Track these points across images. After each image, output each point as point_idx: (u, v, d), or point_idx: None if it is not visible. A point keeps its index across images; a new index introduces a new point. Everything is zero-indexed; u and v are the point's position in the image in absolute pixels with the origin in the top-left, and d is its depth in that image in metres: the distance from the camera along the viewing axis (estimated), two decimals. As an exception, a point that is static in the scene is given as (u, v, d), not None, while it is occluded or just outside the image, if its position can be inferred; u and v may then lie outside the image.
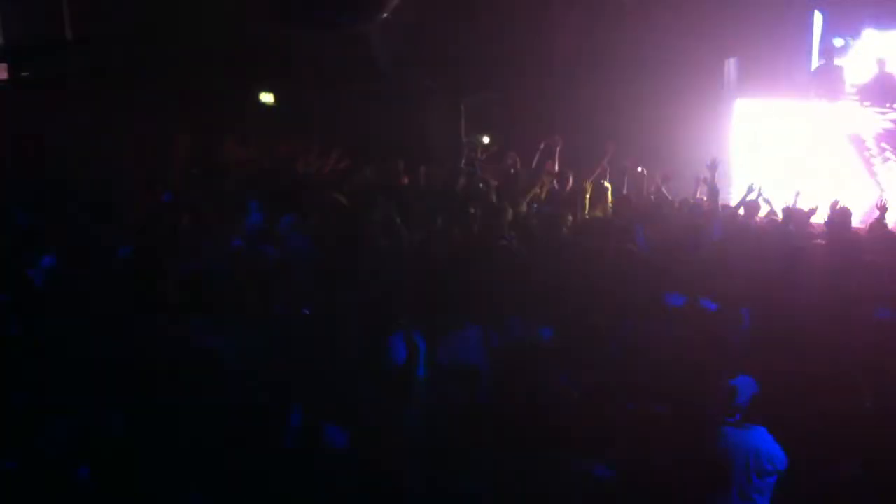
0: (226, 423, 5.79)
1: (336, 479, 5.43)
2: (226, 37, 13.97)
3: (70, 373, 6.43)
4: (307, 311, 7.38)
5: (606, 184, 11.14)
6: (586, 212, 10.47)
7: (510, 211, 9.66)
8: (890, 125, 12.96)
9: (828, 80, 13.87)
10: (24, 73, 13.96)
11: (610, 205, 10.84)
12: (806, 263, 8.35)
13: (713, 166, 10.80)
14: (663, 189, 11.17)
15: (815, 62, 14.45)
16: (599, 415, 5.95)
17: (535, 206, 10.71)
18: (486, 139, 13.56)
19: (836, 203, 10.12)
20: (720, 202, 10.83)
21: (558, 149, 11.64)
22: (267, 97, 14.84)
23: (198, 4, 14.06)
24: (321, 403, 6.07)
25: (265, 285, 7.63)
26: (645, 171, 11.60)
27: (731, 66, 14.18)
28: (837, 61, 13.97)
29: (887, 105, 13.15)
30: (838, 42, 14.27)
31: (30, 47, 14.03)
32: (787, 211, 10.02)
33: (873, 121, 13.06)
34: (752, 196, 10.62)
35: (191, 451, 5.60)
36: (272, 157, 12.01)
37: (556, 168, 11.57)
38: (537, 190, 11.12)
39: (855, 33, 14.36)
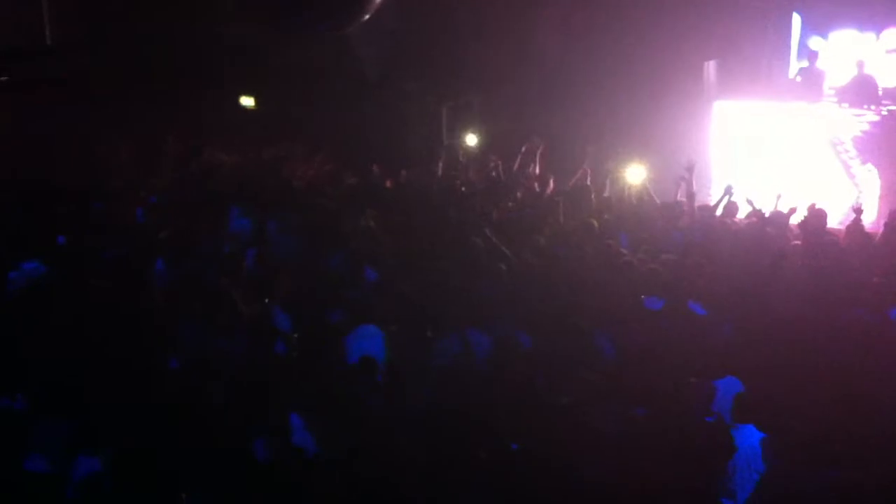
0: (216, 424, 5.83)
1: (328, 485, 5.46)
2: (208, 41, 13.96)
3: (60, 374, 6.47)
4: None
5: (589, 185, 11.19)
6: (569, 214, 10.48)
7: (494, 213, 9.69)
8: (868, 127, 13.06)
9: (810, 82, 13.97)
10: (3, 78, 13.91)
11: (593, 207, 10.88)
12: (785, 265, 8.43)
13: (689, 168, 10.90)
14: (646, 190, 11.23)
15: (794, 64, 14.55)
16: (590, 418, 6.00)
17: (517, 208, 10.74)
18: (469, 142, 13.58)
19: (812, 205, 10.22)
20: (699, 203, 10.91)
21: (540, 152, 11.68)
22: (250, 102, 14.83)
23: (179, 9, 14.04)
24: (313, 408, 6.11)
25: (252, 289, 7.66)
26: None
27: (710, 68, 14.26)
28: (819, 64, 14.09)
29: (865, 107, 13.24)
30: (816, 43, 14.37)
31: (9, 52, 13.98)
32: (760, 214, 10.11)
33: (852, 123, 13.15)
34: (727, 198, 10.68)
35: (182, 451, 5.63)
36: (257, 161, 12.01)
37: (538, 171, 11.61)
38: (519, 193, 11.14)
39: (828, 34, 14.46)
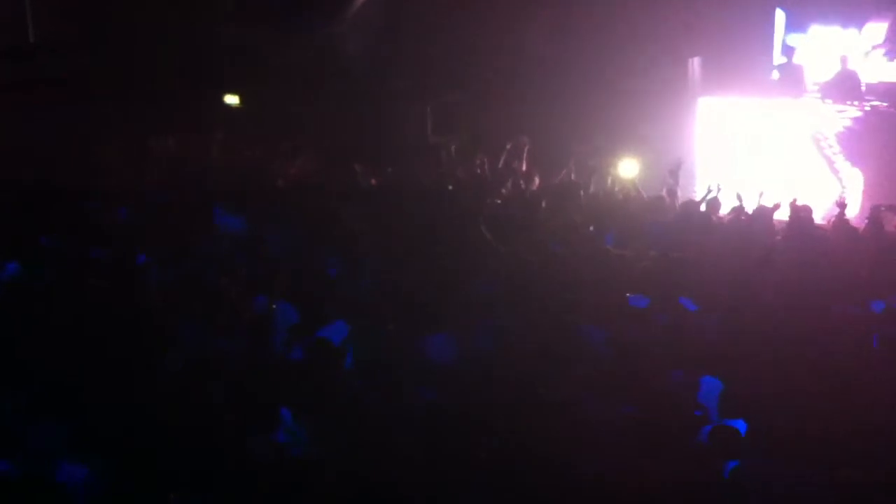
0: (209, 424, 5.81)
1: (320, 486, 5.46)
2: (195, 41, 13.93)
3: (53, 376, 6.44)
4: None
5: (575, 181, 11.19)
6: (555, 211, 10.49)
7: (483, 210, 9.70)
8: (851, 123, 13.12)
9: (789, 78, 14.04)
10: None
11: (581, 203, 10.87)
12: (774, 261, 8.48)
13: (677, 165, 10.93)
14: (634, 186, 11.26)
15: (778, 60, 14.60)
16: (587, 416, 6.01)
17: (503, 205, 10.73)
18: (456, 140, 13.57)
19: (794, 201, 10.27)
20: (683, 199, 10.95)
21: (527, 149, 11.68)
22: (234, 100, 14.79)
23: (166, 8, 14.01)
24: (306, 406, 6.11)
25: (247, 288, 7.64)
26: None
27: (695, 64, 14.30)
28: (797, 59, 14.16)
29: (849, 102, 13.30)
30: (794, 39, 14.43)
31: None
32: (742, 210, 10.17)
33: (835, 118, 13.22)
34: (711, 196, 10.72)
35: (174, 452, 5.62)
36: (244, 160, 11.99)
37: (524, 168, 11.62)
38: (503, 190, 11.14)
39: (808, 28, 14.52)
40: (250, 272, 8.02)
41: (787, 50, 14.19)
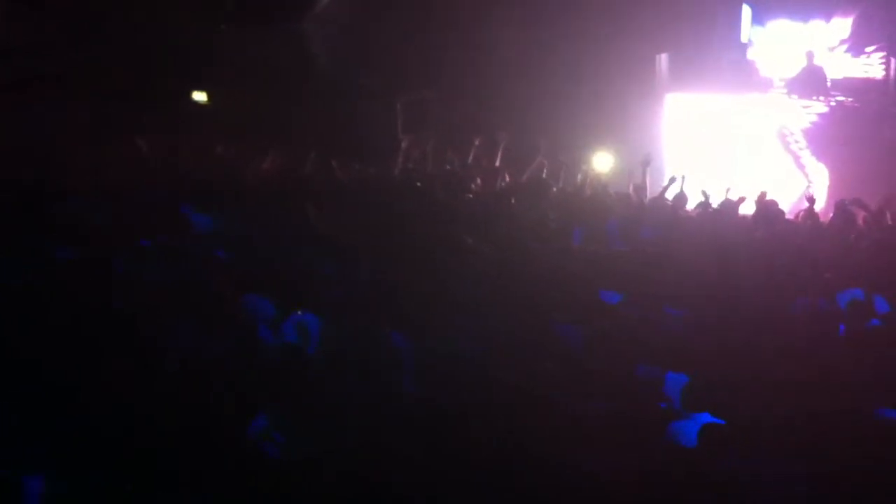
0: (194, 425, 5.78)
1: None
2: (161, 38, 13.84)
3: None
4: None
5: (545, 178, 11.24)
6: (527, 208, 10.52)
7: (456, 207, 9.73)
8: (816, 118, 13.27)
9: (742, 74, 14.17)
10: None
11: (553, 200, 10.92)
12: (741, 256, 8.55)
13: (646, 162, 11.00)
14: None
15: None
16: (560, 414, 6.02)
17: (473, 201, 10.75)
18: (426, 136, 13.58)
19: (763, 195, 10.36)
20: (652, 195, 11.03)
21: (503, 145, 11.70)
22: (201, 97, 14.71)
23: (130, 6, 13.91)
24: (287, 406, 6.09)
25: (227, 287, 7.61)
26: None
27: (662, 61, 14.39)
28: (752, 55, 14.29)
29: (814, 97, 13.44)
30: (754, 33, 14.56)
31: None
32: (707, 205, 10.26)
33: (801, 113, 13.35)
34: (674, 186, 10.77)
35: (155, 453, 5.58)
36: (213, 159, 11.93)
37: (497, 164, 11.65)
38: (473, 186, 11.16)
39: (766, 23, 14.65)
40: (235, 270, 7.99)
41: (740, 46, 14.32)
